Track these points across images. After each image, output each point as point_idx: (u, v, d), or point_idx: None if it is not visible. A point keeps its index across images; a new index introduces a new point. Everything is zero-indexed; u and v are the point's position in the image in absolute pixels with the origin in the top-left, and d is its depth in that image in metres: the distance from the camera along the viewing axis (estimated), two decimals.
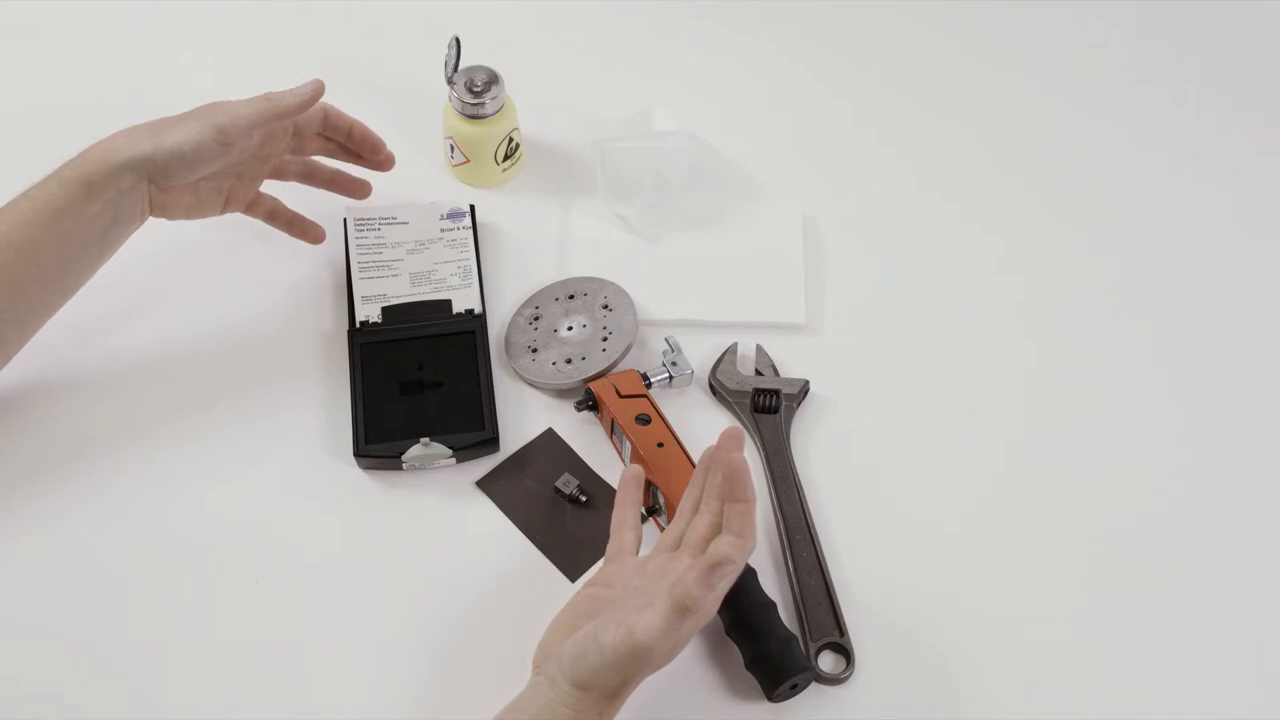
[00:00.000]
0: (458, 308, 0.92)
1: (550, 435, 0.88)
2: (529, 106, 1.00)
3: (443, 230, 0.95)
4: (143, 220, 0.84)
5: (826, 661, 0.78)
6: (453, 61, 0.96)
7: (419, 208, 0.96)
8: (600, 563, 0.78)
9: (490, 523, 0.84)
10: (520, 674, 0.77)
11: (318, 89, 0.84)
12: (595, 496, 0.85)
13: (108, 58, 1.10)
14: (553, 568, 0.82)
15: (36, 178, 1.01)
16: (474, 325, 0.91)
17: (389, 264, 0.93)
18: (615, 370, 0.90)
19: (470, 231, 0.95)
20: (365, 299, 0.91)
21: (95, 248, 0.82)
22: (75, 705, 0.75)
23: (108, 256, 0.84)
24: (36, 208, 0.78)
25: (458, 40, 0.95)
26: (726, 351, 0.91)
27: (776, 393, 0.89)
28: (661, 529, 0.83)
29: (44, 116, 1.06)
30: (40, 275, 0.80)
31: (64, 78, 1.08)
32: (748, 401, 0.89)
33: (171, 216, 0.86)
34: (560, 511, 0.85)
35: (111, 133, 0.81)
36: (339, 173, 0.94)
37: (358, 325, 0.90)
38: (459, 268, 0.93)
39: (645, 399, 0.86)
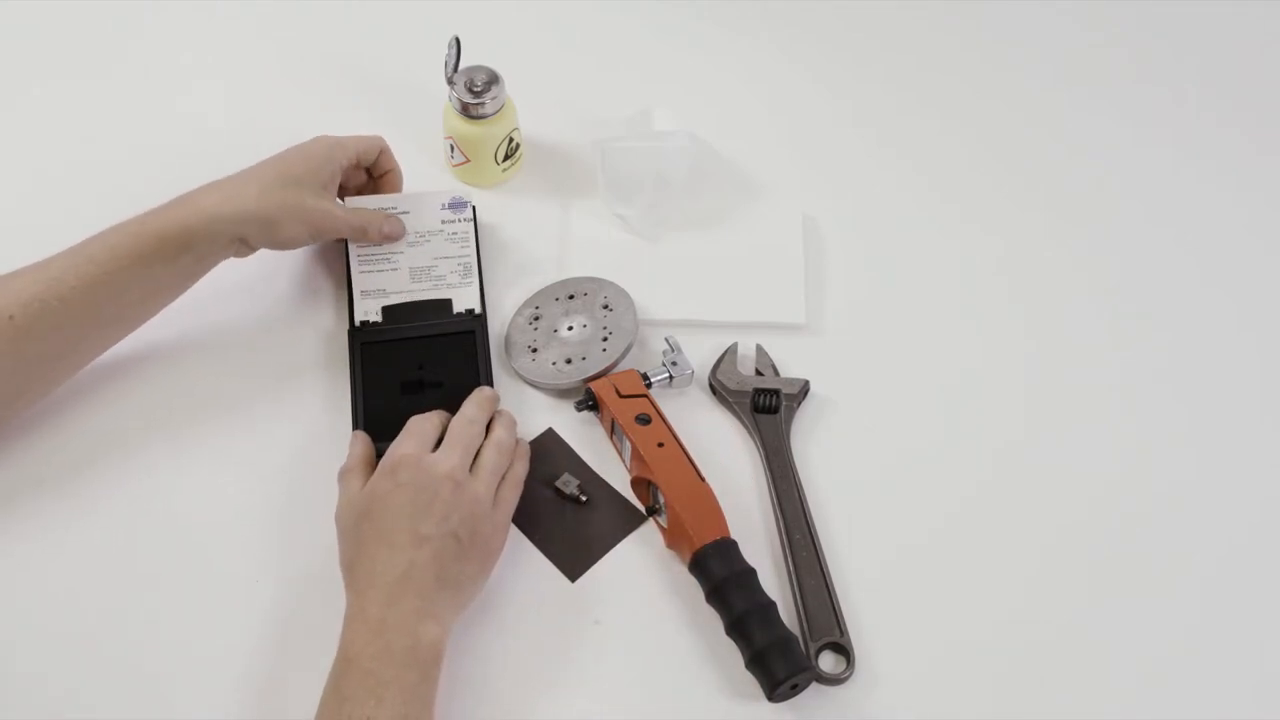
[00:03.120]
0: (458, 307, 0.91)
1: (550, 435, 0.88)
2: (529, 106, 1.00)
3: (444, 222, 0.94)
4: None
5: (826, 661, 0.78)
6: (453, 61, 0.96)
7: (419, 196, 0.95)
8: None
9: None
10: (518, 673, 0.77)
11: (400, 231, 0.92)
12: (595, 496, 0.85)
13: (108, 57, 1.10)
14: (553, 568, 0.82)
15: (35, 178, 1.02)
16: (474, 325, 0.91)
17: (388, 255, 0.92)
18: (615, 370, 0.90)
19: (471, 224, 0.95)
20: (365, 293, 0.91)
21: (177, 291, 0.85)
22: (74, 703, 0.75)
23: (183, 291, 0.86)
24: (130, 255, 0.79)
25: (458, 40, 0.95)
26: (726, 351, 0.91)
27: (776, 393, 0.89)
28: (662, 529, 0.83)
29: (43, 115, 1.06)
30: (119, 313, 0.82)
31: (64, 77, 1.08)
32: (748, 401, 0.89)
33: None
34: (560, 511, 0.85)
35: (205, 187, 0.83)
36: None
37: (358, 325, 0.90)
38: (459, 264, 0.93)
39: (645, 399, 0.86)
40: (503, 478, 0.80)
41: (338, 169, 0.87)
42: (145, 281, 0.81)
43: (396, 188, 0.95)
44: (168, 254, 0.80)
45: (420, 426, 0.80)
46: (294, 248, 0.88)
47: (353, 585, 0.73)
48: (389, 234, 0.90)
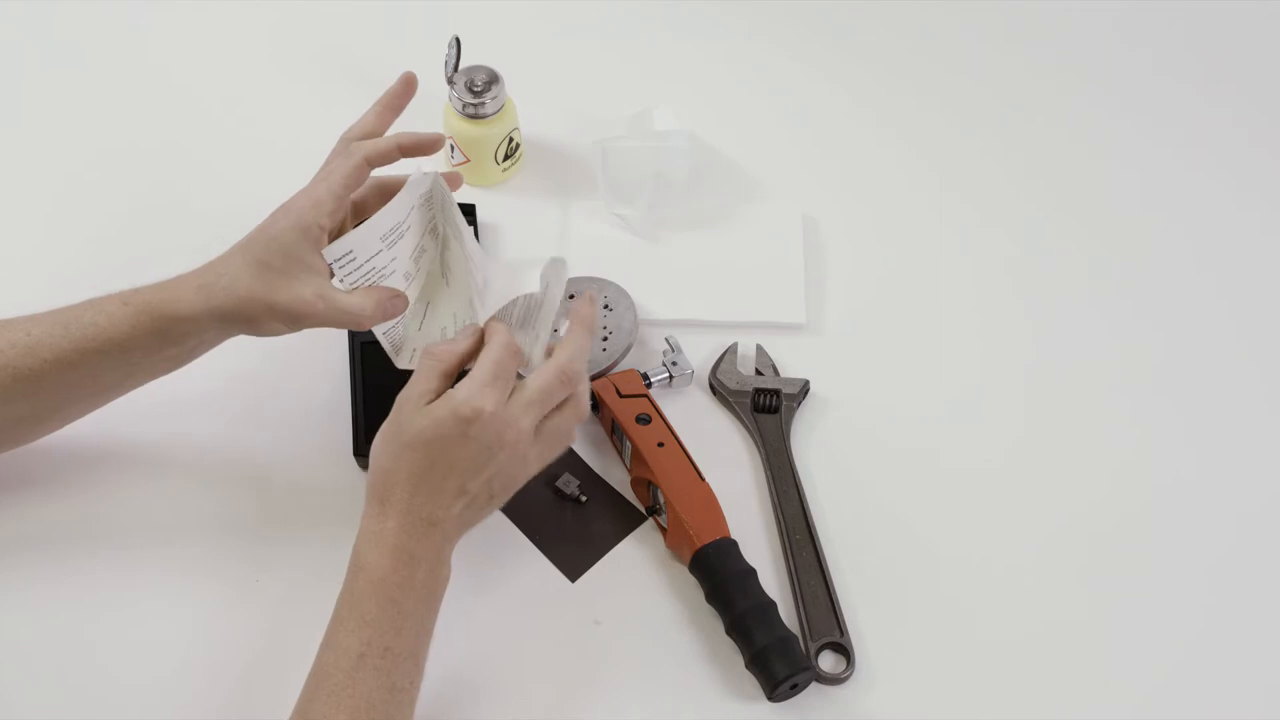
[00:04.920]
0: None
1: None
2: (529, 106, 1.00)
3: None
4: None
5: (826, 661, 0.78)
6: (453, 61, 0.96)
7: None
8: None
9: (490, 522, 0.84)
10: (519, 671, 0.77)
11: (405, 307, 0.78)
12: (595, 496, 0.85)
13: (106, 55, 1.10)
14: (553, 568, 0.82)
15: (35, 176, 1.02)
16: None
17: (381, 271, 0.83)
18: (615, 370, 0.90)
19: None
20: None
21: (167, 371, 0.78)
22: (73, 697, 0.76)
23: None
24: (104, 338, 0.73)
25: (458, 40, 0.96)
26: (726, 351, 0.91)
27: (776, 393, 0.89)
28: (662, 529, 0.83)
29: (42, 115, 1.06)
30: (97, 390, 0.77)
31: (64, 76, 1.08)
32: (748, 401, 0.89)
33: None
34: (560, 511, 0.85)
35: (188, 275, 0.75)
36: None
37: None
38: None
39: (645, 399, 0.86)
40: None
41: (314, 236, 0.73)
42: (125, 365, 0.75)
43: (435, 144, 0.80)
44: (148, 346, 0.74)
45: (506, 367, 0.72)
46: (285, 334, 0.76)
47: (381, 497, 0.71)
48: (391, 314, 0.77)
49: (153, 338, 0.74)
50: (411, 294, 0.80)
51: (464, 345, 0.74)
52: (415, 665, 0.70)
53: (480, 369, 0.71)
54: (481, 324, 0.76)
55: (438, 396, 0.71)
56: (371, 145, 0.77)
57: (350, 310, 0.74)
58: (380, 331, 0.78)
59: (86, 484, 0.84)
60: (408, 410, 0.71)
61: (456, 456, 0.70)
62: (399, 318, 0.79)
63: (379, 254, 0.76)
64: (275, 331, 0.75)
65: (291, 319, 0.74)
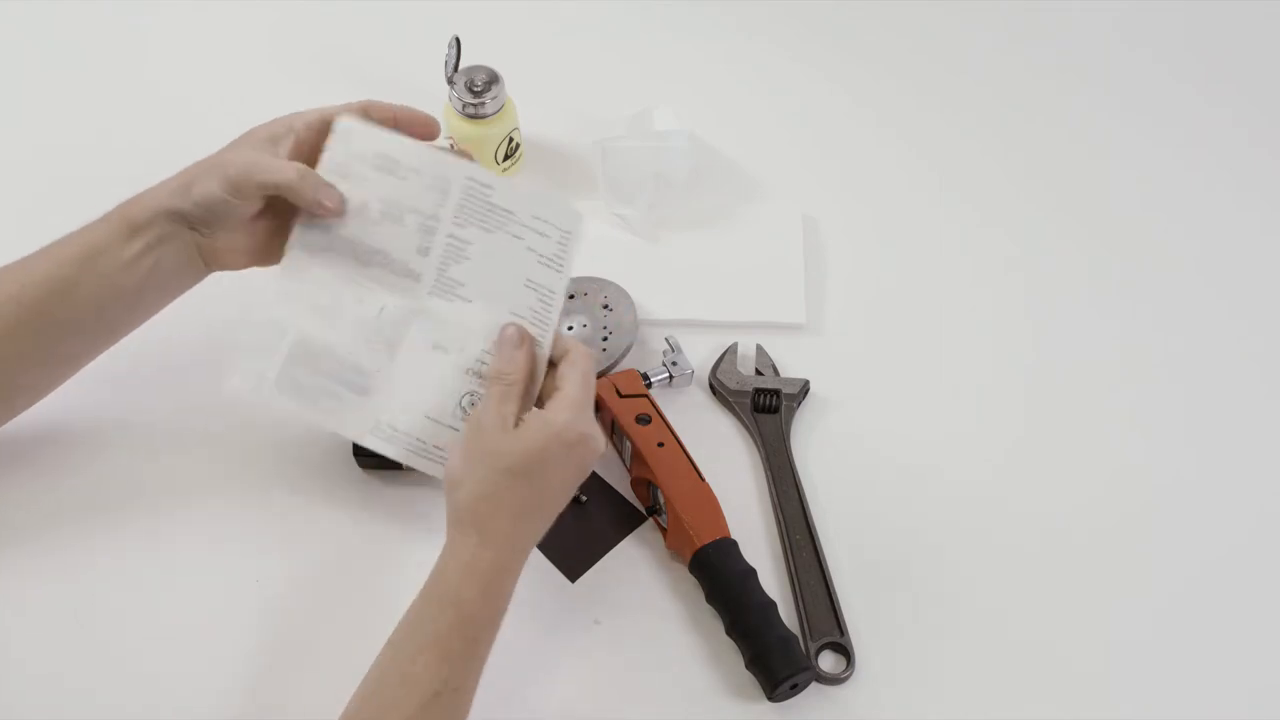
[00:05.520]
0: None
1: None
2: (529, 106, 1.00)
3: None
4: (196, 272, 0.79)
5: (826, 661, 0.78)
6: (453, 61, 0.96)
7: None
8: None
9: None
10: (519, 671, 0.77)
11: (338, 206, 0.76)
12: (595, 496, 0.85)
13: (106, 55, 1.10)
14: (553, 568, 0.82)
15: (35, 177, 1.02)
16: None
17: None
18: (615, 370, 0.90)
19: None
20: None
21: (134, 294, 0.77)
22: (74, 696, 0.76)
23: (152, 309, 0.80)
24: (75, 246, 0.75)
25: (458, 40, 0.96)
26: (726, 351, 0.92)
27: (776, 393, 0.89)
28: (662, 529, 0.83)
29: (42, 113, 1.06)
30: (75, 320, 0.76)
31: (62, 74, 1.08)
32: (748, 401, 0.89)
33: (234, 267, 0.80)
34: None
35: (160, 177, 0.77)
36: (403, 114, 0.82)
37: None
38: None
39: (645, 399, 0.86)
40: None
41: (282, 131, 0.76)
42: (97, 274, 0.75)
43: (428, 125, 0.82)
44: (116, 239, 0.75)
45: (590, 393, 0.73)
46: (224, 217, 0.75)
47: (480, 526, 0.69)
48: (321, 201, 0.74)
49: (120, 225, 0.75)
50: (349, 230, 0.76)
51: (524, 361, 0.74)
52: (470, 698, 0.70)
53: (573, 387, 0.72)
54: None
55: (518, 418, 0.71)
56: (371, 100, 0.80)
57: (276, 166, 0.74)
58: (298, 245, 0.76)
59: (85, 483, 0.84)
60: (494, 434, 0.70)
61: (562, 481, 0.71)
62: (322, 226, 0.76)
63: (369, 164, 0.77)
64: (209, 196, 0.73)
65: (228, 173, 0.73)
